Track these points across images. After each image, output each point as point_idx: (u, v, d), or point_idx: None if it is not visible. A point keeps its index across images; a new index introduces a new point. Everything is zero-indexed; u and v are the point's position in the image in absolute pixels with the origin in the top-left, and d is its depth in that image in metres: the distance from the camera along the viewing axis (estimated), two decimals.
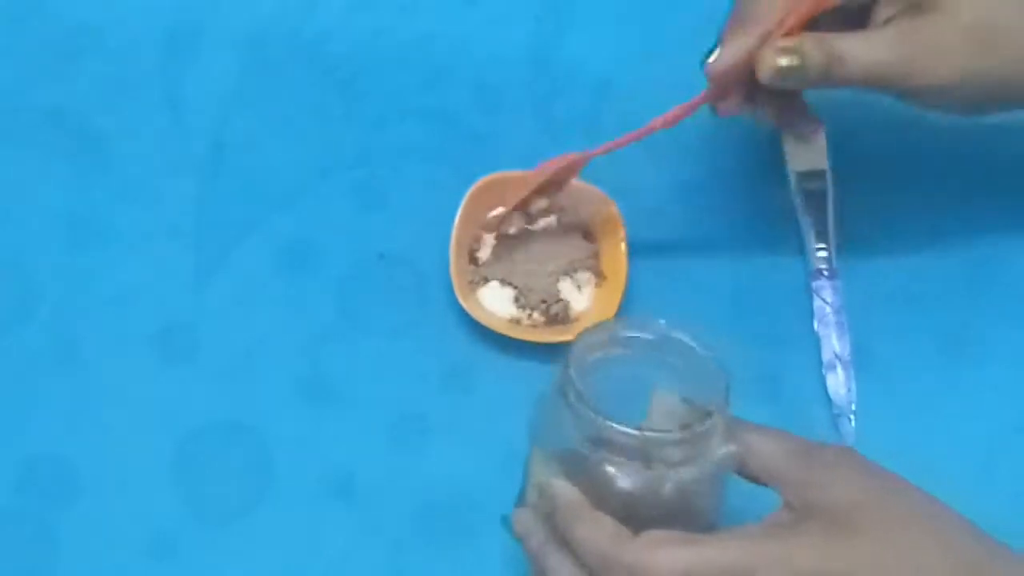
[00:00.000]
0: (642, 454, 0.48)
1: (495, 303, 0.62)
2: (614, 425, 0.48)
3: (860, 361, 0.62)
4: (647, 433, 0.48)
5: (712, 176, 0.65)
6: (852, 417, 0.61)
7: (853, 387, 0.61)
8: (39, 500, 0.61)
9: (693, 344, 0.51)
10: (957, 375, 0.62)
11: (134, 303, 0.63)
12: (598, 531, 0.48)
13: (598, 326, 0.52)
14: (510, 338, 0.61)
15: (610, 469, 0.48)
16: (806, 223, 0.64)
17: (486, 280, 0.63)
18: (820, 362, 0.62)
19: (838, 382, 0.61)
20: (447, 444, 0.60)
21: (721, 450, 0.49)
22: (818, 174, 0.64)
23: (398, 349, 0.62)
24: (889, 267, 0.64)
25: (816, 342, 0.62)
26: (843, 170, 0.64)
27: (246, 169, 0.66)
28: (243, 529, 0.60)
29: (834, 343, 0.62)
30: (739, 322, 0.63)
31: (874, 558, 0.45)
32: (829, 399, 0.61)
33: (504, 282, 0.63)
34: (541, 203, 0.62)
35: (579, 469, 0.49)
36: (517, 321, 0.62)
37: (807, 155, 0.65)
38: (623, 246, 0.62)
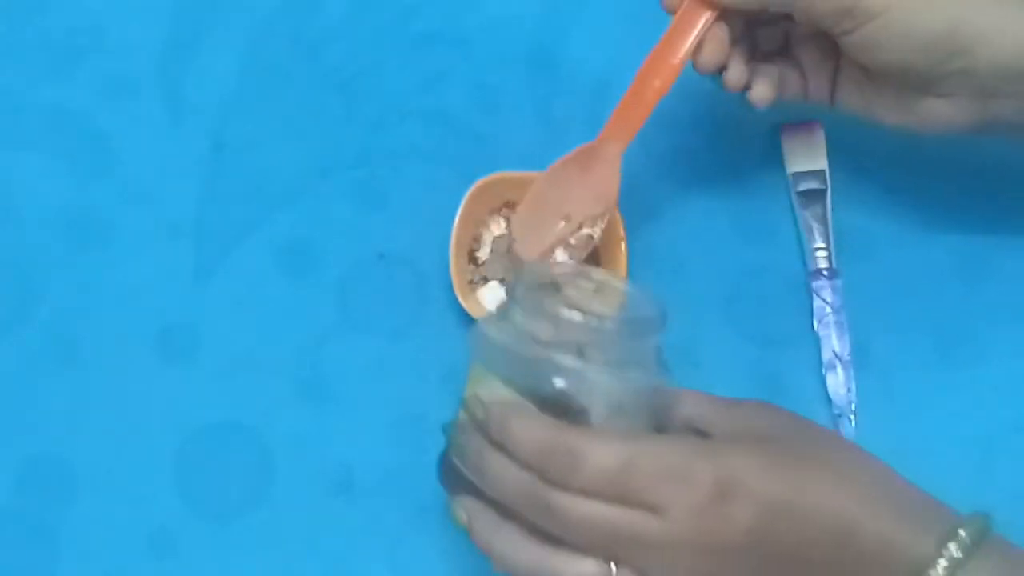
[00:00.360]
0: (583, 339, 0.49)
1: (495, 303, 0.62)
2: (563, 308, 0.49)
3: (860, 361, 0.62)
4: (591, 315, 0.49)
5: (712, 176, 0.65)
6: (852, 417, 0.61)
7: (853, 387, 0.61)
8: (39, 500, 0.61)
9: (632, 293, 0.53)
10: (956, 374, 0.62)
11: (134, 303, 0.64)
12: (536, 421, 0.48)
13: (540, 264, 0.54)
14: None
15: (547, 364, 0.49)
16: (806, 223, 0.64)
17: (486, 280, 0.63)
18: (820, 362, 0.62)
19: (838, 382, 0.62)
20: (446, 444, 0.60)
21: (656, 372, 0.51)
22: (817, 174, 0.64)
23: (398, 349, 0.62)
24: (889, 267, 0.64)
25: (816, 342, 0.62)
26: (842, 170, 0.65)
27: (246, 169, 0.66)
28: (243, 528, 0.60)
29: (834, 343, 0.62)
30: (739, 322, 0.63)
31: (819, 498, 0.47)
32: (829, 399, 0.61)
33: (504, 282, 0.63)
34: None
35: (517, 375, 0.50)
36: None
37: (806, 155, 0.65)
38: (623, 246, 0.62)
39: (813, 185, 0.64)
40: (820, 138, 0.65)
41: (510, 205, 0.64)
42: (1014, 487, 0.60)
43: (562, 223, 0.60)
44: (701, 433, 0.51)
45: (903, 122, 0.58)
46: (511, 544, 0.49)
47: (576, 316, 0.49)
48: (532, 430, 0.48)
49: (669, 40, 0.57)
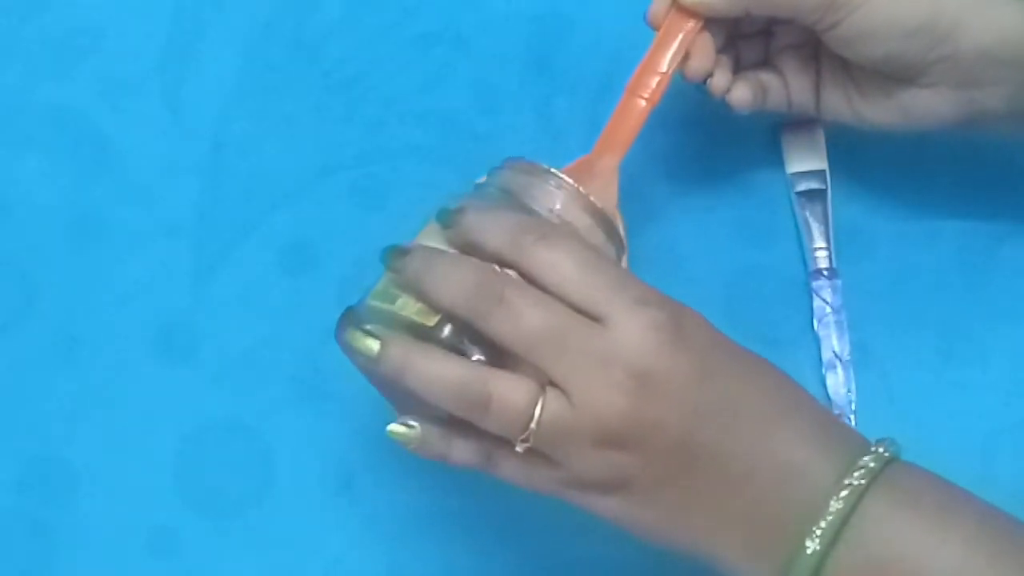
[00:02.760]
0: (564, 208, 0.51)
1: None
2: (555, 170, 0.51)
3: (860, 361, 0.62)
4: (580, 188, 0.51)
5: (712, 176, 0.65)
6: (852, 416, 0.61)
7: (853, 387, 0.62)
8: (39, 500, 0.61)
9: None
10: (956, 374, 0.62)
11: (134, 303, 0.64)
12: (509, 212, 0.49)
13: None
14: None
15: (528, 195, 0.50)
16: (805, 223, 0.64)
17: None
18: (820, 362, 0.62)
19: (838, 382, 0.62)
20: None
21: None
22: (817, 174, 0.64)
23: None
24: (889, 267, 0.64)
25: (816, 342, 0.62)
26: (842, 170, 0.65)
27: (246, 169, 0.66)
28: (243, 528, 0.60)
29: (834, 343, 0.62)
30: (739, 322, 0.63)
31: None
32: (829, 399, 0.61)
33: None
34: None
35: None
36: None
37: (806, 155, 0.65)
38: (624, 257, 0.62)
39: (813, 185, 0.64)
40: (820, 138, 0.65)
41: None
42: (1014, 487, 0.60)
43: None
44: None
45: (889, 120, 0.58)
46: (437, 359, 0.47)
47: (568, 179, 0.51)
48: (507, 214, 0.49)
49: (656, 52, 0.58)
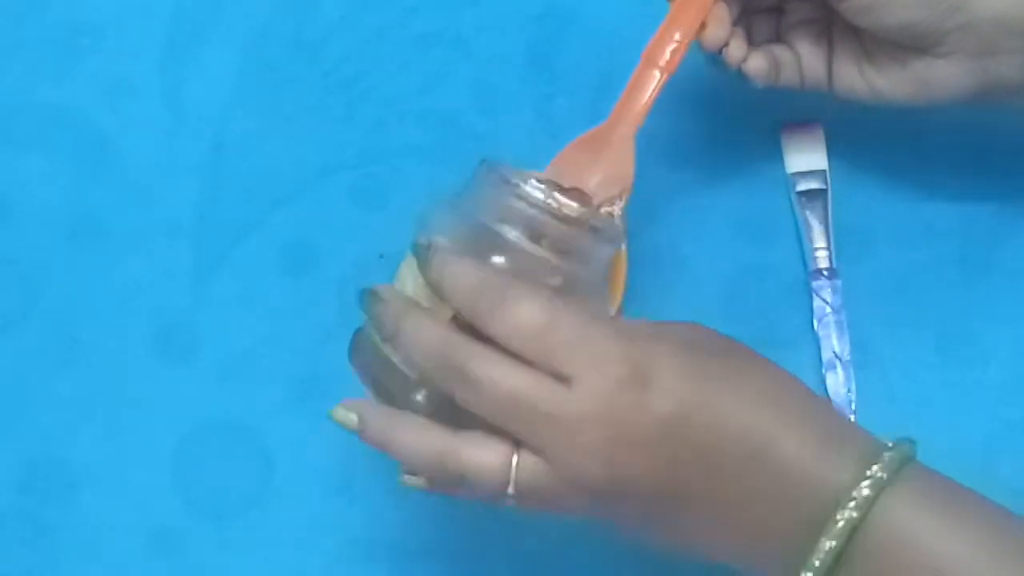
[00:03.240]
0: (533, 226, 0.49)
1: None
2: (523, 184, 0.49)
3: (860, 361, 0.62)
4: (551, 199, 0.49)
5: (712, 176, 0.65)
6: (852, 417, 0.61)
7: (853, 387, 0.61)
8: (39, 500, 0.61)
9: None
10: (956, 374, 0.62)
11: (134, 303, 0.64)
12: (475, 266, 0.48)
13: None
14: None
15: (492, 236, 0.49)
16: (805, 223, 0.64)
17: None
18: (820, 362, 0.62)
19: (838, 382, 0.62)
20: None
21: (600, 285, 0.51)
22: (817, 174, 0.64)
23: None
24: (889, 267, 0.64)
25: (816, 342, 0.62)
26: (842, 170, 0.65)
27: (246, 169, 0.66)
28: (243, 528, 0.60)
29: (834, 343, 0.62)
30: (739, 322, 0.63)
31: (731, 379, 0.47)
32: (829, 399, 0.61)
33: None
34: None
35: (462, 243, 0.50)
36: None
37: (806, 155, 0.65)
38: (623, 246, 0.62)
39: (813, 185, 0.64)
40: (820, 138, 0.65)
41: None
42: (1014, 487, 0.59)
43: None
44: None
45: (904, 92, 0.57)
46: (412, 432, 0.47)
47: (537, 193, 0.49)
48: (469, 270, 0.48)
49: (672, 21, 0.58)
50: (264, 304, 0.64)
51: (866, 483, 0.45)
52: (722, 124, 0.66)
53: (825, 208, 0.64)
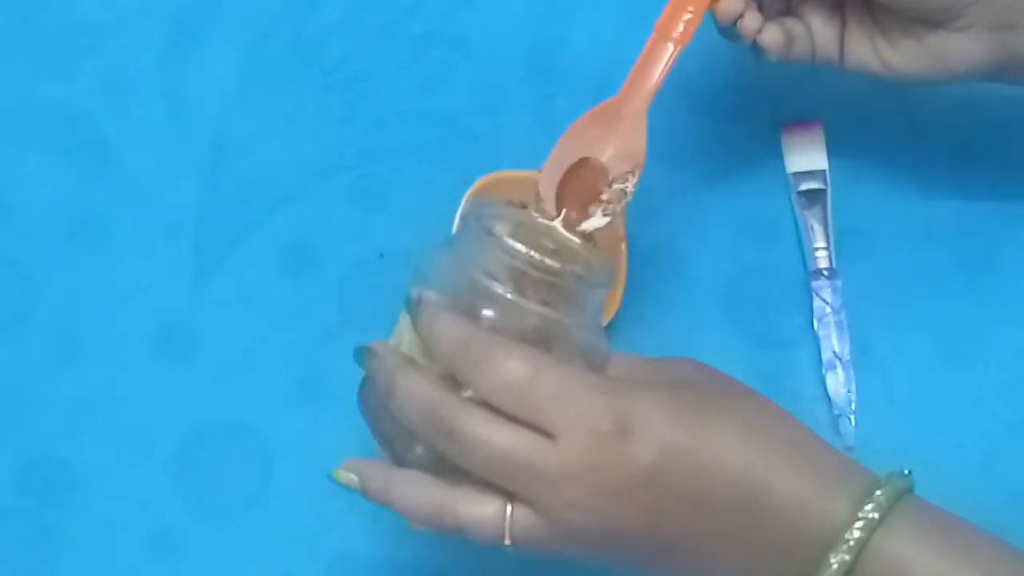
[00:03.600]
0: (519, 278, 0.49)
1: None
2: (505, 238, 0.49)
3: (860, 361, 0.62)
4: (532, 254, 0.49)
5: (712, 176, 0.65)
6: (852, 417, 0.61)
7: (853, 387, 0.61)
8: (39, 500, 0.61)
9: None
10: (956, 374, 0.62)
11: (134, 303, 0.64)
12: (461, 320, 0.48)
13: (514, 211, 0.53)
14: None
15: (480, 289, 0.49)
16: (805, 223, 0.64)
17: None
18: (820, 362, 0.62)
19: (838, 382, 0.62)
20: None
21: (593, 331, 0.50)
22: (817, 174, 0.64)
23: None
24: (889, 267, 0.64)
25: (816, 342, 0.62)
26: (842, 170, 0.65)
27: (246, 169, 0.66)
28: (243, 528, 0.60)
29: (834, 343, 0.62)
30: (739, 322, 0.63)
31: (719, 421, 0.47)
32: (829, 399, 0.61)
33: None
34: None
35: (451, 296, 0.50)
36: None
37: (806, 155, 0.65)
38: (623, 246, 0.62)
39: (813, 185, 0.64)
40: (820, 138, 0.65)
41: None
42: (1014, 487, 0.60)
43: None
44: None
45: (918, 67, 0.56)
46: (410, 487, 0.49)
47: (519, 246, 0.49)
48: (455, 326, 0.48)
49: None
50: (264, 304, 0.64)
51: (859, 524, 0.45)
52: (722, 124, 0.66)
53: (825, 208, 0.64)
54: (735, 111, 0.65)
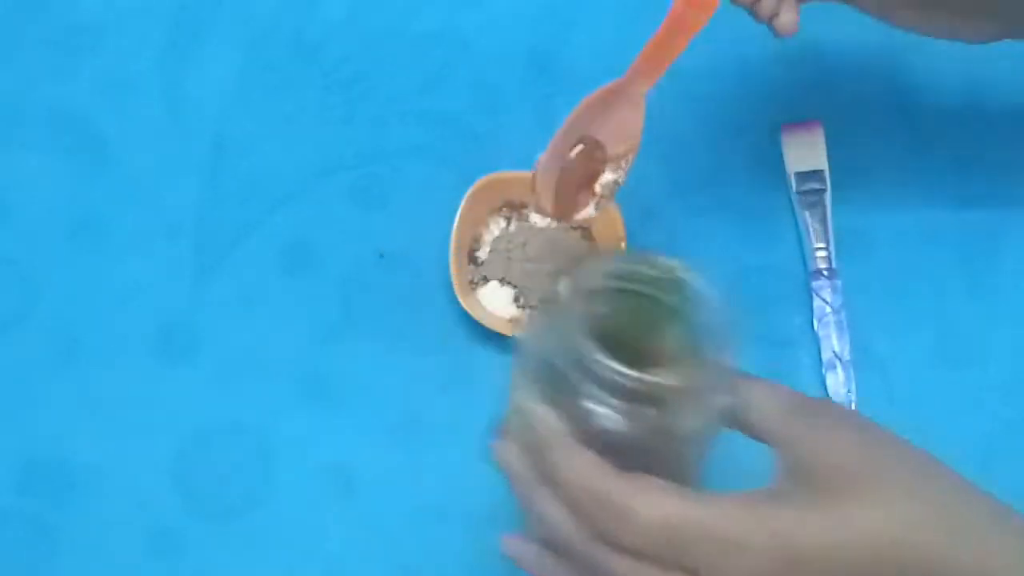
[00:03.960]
0: (632, 395, 0.44)
1: (495, 303, 0.63)
2: (610, 363, 0.43)
3: (860, 361, 0.62)
4: (645, 377, 0.43)
5: (712, 176, 0.65)
6: None
7: (853, 387, 0.62)
8: (39, 500, 0.61)
9: (698, 287, 0.48)
10: (956, 374, 0.62)
11: (134, 303, 0.64)
12: (583, 465, 0.45)
13: (601, 258, 0.49)
14: (510, 338, 0.61)
15: (592, 405, 0.44)
16: (805, 223, 0.64)
17: (486, 280, 0.63)
18: (820, 362, 0.62)
19: (838, 382, 0.62)
20: (447, 444, 0.60)
21: (716, 403, 0.46)
22: (817, 174, 0.64)
23: (398, 349, 0.62)
24: (889, 267, 0.64)
25: (816, 342, 0.62)
26: (842, 170, 0.65)
27: (246, 169, 0.66)
28: (243, 528, 0.60)
29: (834, 343, 0.62)
30: (739, 322, 0.63)
31: (874, 532, 0.44)
32: (829, 399, 0.61)
33: (504, 282, 0.63)
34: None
35: (561, 395, 0.45)
36: (517, 321, 0.62)
37: (806, 155, 0.65)
38: (623, 246, 0.62)
39: (813, 185, 0.64)
40: (820, 138, 0.65)
41: (510, 205, 0.64)
42: (1014, 487, 0.59)
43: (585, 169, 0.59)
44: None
45: (933, 24, 0.56)
46: None
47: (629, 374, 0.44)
48: (580, 476, 0.45)
49: None
50: (264, 304, 0.64)
51: None
52: (722, 124, 0.66)
53: (825, 208, 0.64)
54: (735, 112, 0.65)
